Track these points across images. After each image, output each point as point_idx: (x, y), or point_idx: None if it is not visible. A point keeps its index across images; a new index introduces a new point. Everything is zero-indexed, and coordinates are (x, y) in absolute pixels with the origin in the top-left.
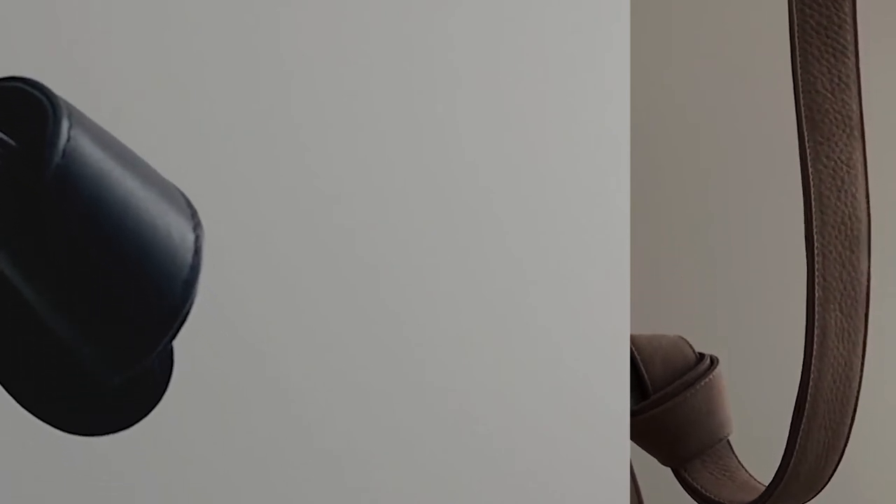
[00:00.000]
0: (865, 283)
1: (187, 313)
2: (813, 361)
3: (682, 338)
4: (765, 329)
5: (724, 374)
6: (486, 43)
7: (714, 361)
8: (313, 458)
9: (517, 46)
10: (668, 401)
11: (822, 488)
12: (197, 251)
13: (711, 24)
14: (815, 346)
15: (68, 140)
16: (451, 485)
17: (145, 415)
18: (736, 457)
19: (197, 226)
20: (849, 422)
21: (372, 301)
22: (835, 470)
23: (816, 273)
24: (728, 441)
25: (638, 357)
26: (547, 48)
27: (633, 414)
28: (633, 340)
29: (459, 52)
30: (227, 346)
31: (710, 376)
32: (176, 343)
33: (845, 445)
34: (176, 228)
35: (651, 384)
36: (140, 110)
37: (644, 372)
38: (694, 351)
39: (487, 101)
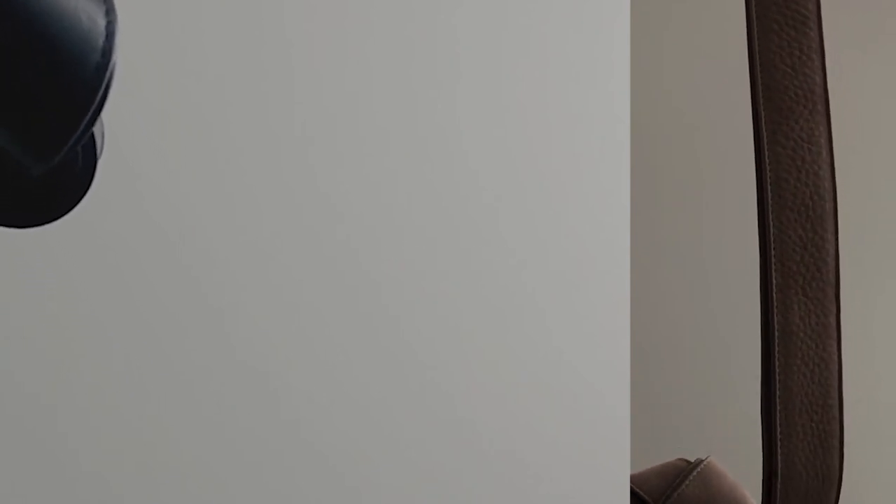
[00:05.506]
0: (833, 263)
1: (102, 100)
2: (777, 348)
3: (677, 458)
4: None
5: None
6: (488, 44)
7: (704, 459)
8: (312, 460)
9: (518, 47)
10: (668, 501)
11: (839, 479)
12: (109, 35)
13: (712, 24)
14: (777, 333)
15: None
16: (452, 486)
17: (72, 207)
18: None
19: (110, 10)
20: (836, 404)
21: (372, 302)
22: (842, 458)
23: (773, 258)
24: None
25: (632, 484)
26: (547, 48)
27: None
28: None
29: (461, 52)
30: (225, 348)
31: (702, 466)
32: (174, 343)
33: (842, 431)
34: (85, 13)
35: (652, 500)
36: (141, 110)
37: (641, 492)
38: (686, 461)
39: (488, 102)
